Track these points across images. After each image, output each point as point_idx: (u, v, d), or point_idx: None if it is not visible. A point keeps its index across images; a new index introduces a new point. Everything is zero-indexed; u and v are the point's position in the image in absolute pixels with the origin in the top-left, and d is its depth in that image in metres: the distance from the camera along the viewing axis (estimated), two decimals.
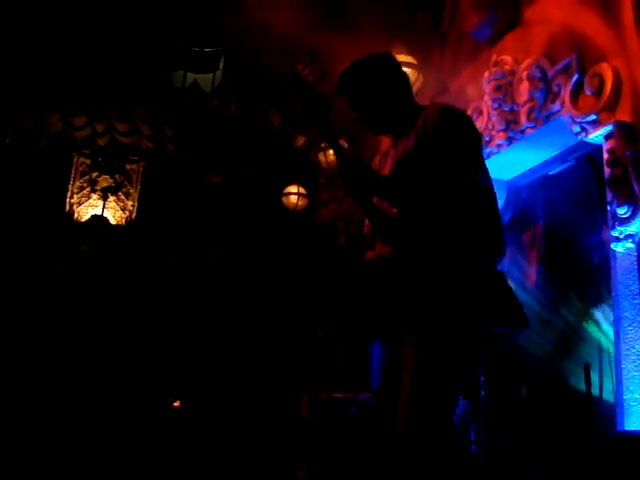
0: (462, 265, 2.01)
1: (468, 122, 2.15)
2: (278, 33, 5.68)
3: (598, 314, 4.16)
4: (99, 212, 8.88)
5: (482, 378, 3.91)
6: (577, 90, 3.94)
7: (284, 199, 7.84)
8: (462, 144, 2.04)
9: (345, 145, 6.69)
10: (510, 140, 4.63)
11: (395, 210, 2.17)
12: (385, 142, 6.36)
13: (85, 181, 9.31)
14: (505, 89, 4.61)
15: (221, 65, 8.73)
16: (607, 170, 3.67)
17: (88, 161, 9.35)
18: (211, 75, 8.82)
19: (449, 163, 1.99)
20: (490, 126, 4.76)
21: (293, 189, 7.84)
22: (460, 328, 1.99)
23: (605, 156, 3.71)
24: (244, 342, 7.08)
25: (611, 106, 3.69)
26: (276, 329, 7.13)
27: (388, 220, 2.20)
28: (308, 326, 6.66)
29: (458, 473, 1.95)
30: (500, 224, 2.16)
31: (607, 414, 3.54)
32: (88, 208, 9.15)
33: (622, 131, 3.55)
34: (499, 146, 4.70)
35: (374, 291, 2.13)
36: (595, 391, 3.79)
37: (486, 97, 4.78)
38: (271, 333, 7.10)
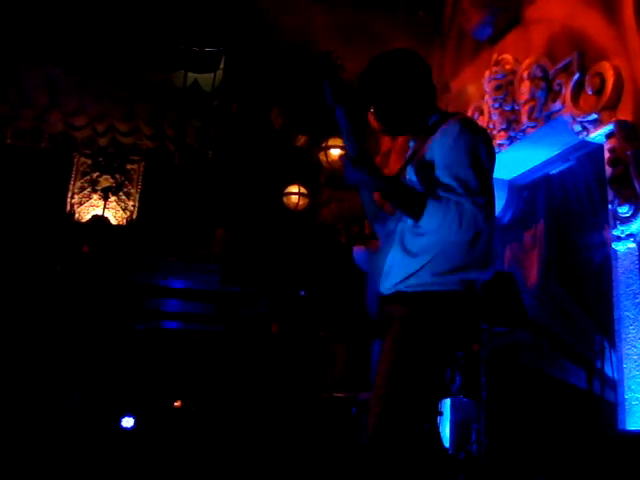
0: (444, 277, 2.01)
1: (487, 142, 2.11)
2: (279, 33, 5.68)
3: (599, 314, 4.15)
4: (100, 212, 8.89)
5: (483, 378, 3.90)
6: (578, 89, 3.93)
7: (285, 199, 7.84)
8: (481, 164, 2.00)
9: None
10: (511, 139, 4.63)
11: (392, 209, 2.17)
12: (386, 142, 6.35)
13: (86, 181, 9.32)
14: (506, 88, 4.60)
15: (222, 65, 8.73)
16: (608, 169, 3.66)
17: (89, 161, 9.36)
18: (212, 75, 8.82)
19: (469, 183, 1.95)
20: (491, 125, 4.76)
21: (294, 189, 7.84)
22: (431, 338, 1.98)
23: (606, 155, 3.71)
24: (245, 342, 7.08)
25: (612, 105, 3.68)
26: (277, 329, 7.13)
27: (384, 216, 2.20)
28: (309, 326, 6.65)
29: (429, 474, 1.92)
30: (491, 246, 2.14)
31: (609, 413, 3.54)
32: (89, 208, 9.16)
33: (623, 130, 3.54)
34: (500, 145, 4.69)
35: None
36: (597, 390, 3.78)
37: (487, 96, 4.78)
38: (271, 333, 7.10)
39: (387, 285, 2.12)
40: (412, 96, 2.18)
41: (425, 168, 2.07)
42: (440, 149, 2.04)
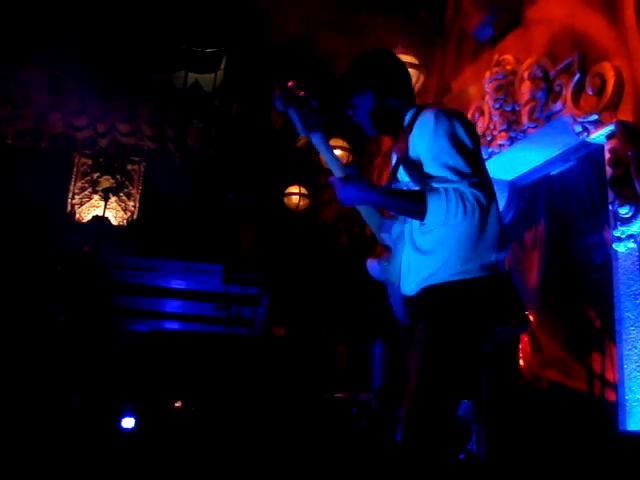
0: (464, 266, 2.00)
1: (465, 121, 2.09)
2: (279, 33, 5.68)
3: (599, 315, 4.15)
4: (100, 212, 8.88)
5: (484, 378, 3.90)
6: (579, 90, 3.93)
7: (286, 199, 7.85)
8: (465, 145, 2.00)
9: (345, 146, 6.69)
10: (512, 140, 4.62)
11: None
12: (387, 143, 6.36)
13: (86, 182, 9.33)
14: (507, 89, 4.60)
15: (222, 65, 8.74)
16: (609, 170, 3.66)
17: (89, 161, 9.37)
18: (212, 75, 8.83)
19: (447, 168, 1.95)
20: (492, 126, 4.76)
21: (295, 189, 7.85)
22: (463, 327, 1.98)
23: (607, 156, 3.71)
24: (245, 342, 7.08)
25: (613, 106, 3.68)
26: (277, 330, 7.13)
27: (389, 223, 2.21)
28: (310, 327, 6.66)
29: (451, 471, 1.94)
30: (500, 223, 2.14)
31: (609, 414, 3.54)
32: (89, 208, 9.17)
33: (624, 131, 3.54)
34: (500, 146, 4.69)
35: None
36: (597, 391, 3.78)
37: (487, 97, 4.78)
38: (272, 333, 7.10)
39: (409, 286, 2.11)
40: (384, 94, 2.21)
41: (413, 166, 2.08)
42: (422, 142, 2.04)
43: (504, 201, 5.16)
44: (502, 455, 3.82)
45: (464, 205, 1.89)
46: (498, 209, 2.12)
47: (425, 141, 2.03)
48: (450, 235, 2.02)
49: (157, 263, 8.20)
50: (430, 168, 2.00)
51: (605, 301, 3.75)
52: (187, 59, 8.54)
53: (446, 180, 1.94)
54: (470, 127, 2.08)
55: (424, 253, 2.07)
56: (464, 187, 1.91)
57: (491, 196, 2.04)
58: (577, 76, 3.94)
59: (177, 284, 8.29)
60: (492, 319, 2.04)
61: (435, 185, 1.94)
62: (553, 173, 4.89)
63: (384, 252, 2.24)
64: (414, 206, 1.95)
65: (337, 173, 2.13)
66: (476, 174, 1.95)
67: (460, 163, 1.95)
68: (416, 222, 2.07)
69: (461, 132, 2.02)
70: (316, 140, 2.13)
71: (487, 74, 4.76)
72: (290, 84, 2.10)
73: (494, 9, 4.84)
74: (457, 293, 2.00)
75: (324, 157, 2.17)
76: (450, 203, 1.90)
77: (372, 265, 2.24)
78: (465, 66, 5.47)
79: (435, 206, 1.91)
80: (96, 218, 8.87)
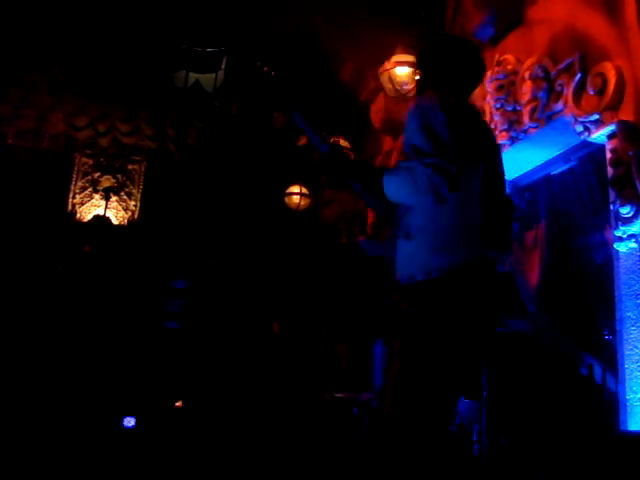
0: (434, 260, 1.96)
1: (445, 106, 2.03)
2: (280, 33, 5.68)
3: (600, 314, 4.15)
4: (101, 212, 8.89)
5: (484, 378, 3.90)
6: (580, 89, 3.93)
7: (287, 199, 7.84)
8: (433, 128, 1.95)
9: (346, 146, 6.69)
10: (513, 140, 4.62)
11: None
12: (387, 142, 6.35)
13: (87, 181, 9.32)
14: (508, 89, 4.60)
15: (223, 65, 8.73)
16: (610, 170, 3.66)
17: (90, 161, 9.36)
18: (213, 75, 8.82)
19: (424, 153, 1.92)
20: (493, 126, 4.75)
21: (295, 189, 7.84)
22: (444, 327, 1.91)
23: (608, 156, 3.71)
24: (246, 342, 7.08)
25: (614, 105, 3.68)
26: (279, 329, 7.13)
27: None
28: (311, 326, 6.65)
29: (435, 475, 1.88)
30: (503, 218, 2.10)
31: (610, 414, 3.53)
32: (90, 208, 9.16)
33: (625, 130, 3.54)
34: (502, 146, 4.69)
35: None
36: (598, 391, 3.78)
37: (488, 97, 4.77)
38: (273, 333, 7.10)
39: (396, 276, 2.09)
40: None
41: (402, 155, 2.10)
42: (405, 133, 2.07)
43: None
44: (503, 456, 3.82)
45: (415, 182, 1.87)
46: (476, 202, 2.03)
47: (406, 131, 2.05)
48: (420, 221, 2.00)
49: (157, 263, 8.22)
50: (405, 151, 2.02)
51: (606, 301, 3.75)
52: (188, 59, 8.53)
53: (407, 159, 1.95)
54: (450, 110, 2.03)
55: (405, 238, 2.06)
56: (418, 166, 1.89)
57: (463, 184, 1.92)
58: (578, 76, 3.94)
59: (177, 284, 8.29)
60: (461, 328, 1.93)
61: (399, 164, 1.99)
62: (554, 173, 4.88)
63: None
64: (372, 181, 1.99)
65: (322, 150, 2.14)
66: (438, 156, 1.89)
67: (422, 144, 1.93)
68: (403, 206, 2.06)
69: (435, 115, 1.98)
70: (298, 119, 2.15)
71: (488, 74, 4.75)
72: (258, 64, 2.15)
73: (495, 9, 4.83)
74: (422, 296, 1.96)
75: (308, 135, 2.19)
76: (406, 181, 1.90)
77: (362, 241, 2.27)
78: None
79: (387, 180, 1.94)
80: (97, 218, 8.87)
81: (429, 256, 1.97)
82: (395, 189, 1.94)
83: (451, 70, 2.32)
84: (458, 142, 1.96)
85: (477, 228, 2.01)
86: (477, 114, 2.32)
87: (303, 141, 7.44)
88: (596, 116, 3.80)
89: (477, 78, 2.41)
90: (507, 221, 2.21)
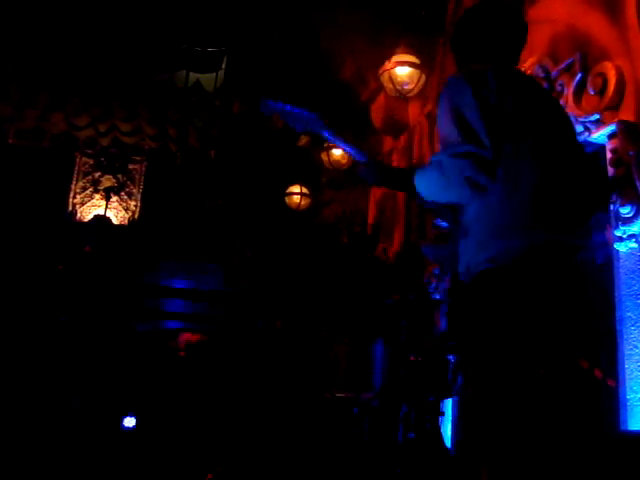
0: (483, 253, 1.84)
1: (476, 89, 1.85)
2: (280, 32, 5.68)
3: (601, 314, 4.15)
4: (102, 212, 8.90)
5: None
6: (580, 89, 3.93)
7: (287, 199, 7.85)
8: (464, 117, 1.81)
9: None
10: None
11: None
12: (388, 142, 6.34)
13: (88, 181, 9.34)
14: None
15: (224, 65, 8.74)
16: (610, 170, 3.65)
17: (91, 161, 9.38)
18: (214, 75, 8.83)
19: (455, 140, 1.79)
20: None
21: (296, 189, 7.84)
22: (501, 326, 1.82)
23: (608, 156, 3.70)
24: (246, 342, 7.08)
25: (614, 105, 3.68)
26: (279, 329, 7.13)
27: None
28: (312, 326, 6.65)
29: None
30: (578, 195, 1.89)
31: (610, 414, 3.53)
32: (91, 208, 9.17)
33: (625, 131, 3.54)
34: None
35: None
36: (598, 391, 3.78)
37: None
38: (274, 333, 7.10)
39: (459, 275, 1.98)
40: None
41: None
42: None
43: None
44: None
45: (444, 176, 1.78)
46: (534, 183, 1.83)
47: (438, 121, 1.95)
48: (471, 215, 1.88)
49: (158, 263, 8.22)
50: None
51: (606, 301, 3.74)
52: (188, 59, 8.53)
53: (437, 153, 1.87)
54: (481, 91, 1.85)
55: (463, 236, 1.93)
56: (443, 157, 1.80)
57: (518, 166, 1.79)
58: (578, 76, 3.93)
59: (177, 284, 8.30)
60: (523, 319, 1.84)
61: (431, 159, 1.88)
62: None
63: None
64: (405, 183, 1.92)
65: (359, 159, 2.12)
66: (468, 143, 1.76)
67: (451, 134, 1.82)
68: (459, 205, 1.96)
69: (464, 101, 1.83)
70: (329, 135, 2.15)
71: None
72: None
73: None
74: (481, 290, 1.84)
75: (342, 148, 2.20)
76: (428, 174, 1.84)
77: (424, 247, 2.26)
78: None
79: (418, 180, 1.87)
80: (97, 218, 8.88)
81: (478, 248, 1.84)
82: (427, 187, 1.85)
83: (487, 38, 2.07)
84: (494, 123, 1.79)
85: (529, 212, 1.81)
86: (528, 81, 2.08)
87: (303, 141, 7.45)
88: (596, 116, 3.80)
89: (519, 39, 2.12)
90: (585, 197, 1.97)
